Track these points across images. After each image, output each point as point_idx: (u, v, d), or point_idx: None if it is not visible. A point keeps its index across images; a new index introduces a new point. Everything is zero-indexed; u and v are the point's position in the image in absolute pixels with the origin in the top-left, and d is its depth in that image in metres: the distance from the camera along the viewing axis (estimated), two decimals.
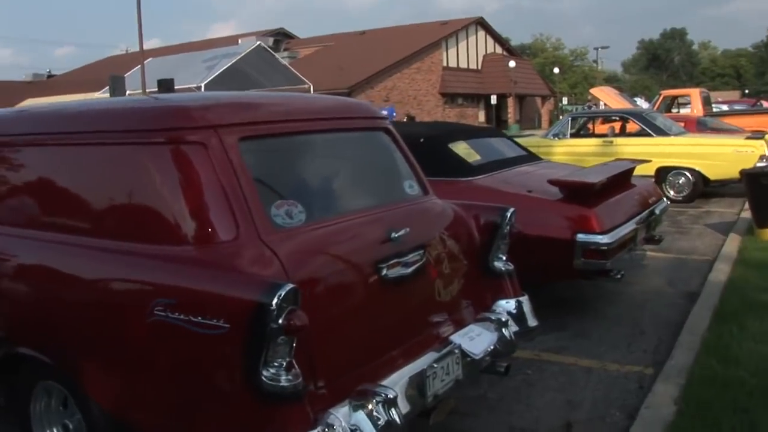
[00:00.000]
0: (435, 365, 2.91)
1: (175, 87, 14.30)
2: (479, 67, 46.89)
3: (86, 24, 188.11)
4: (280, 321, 2.18)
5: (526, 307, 3.70)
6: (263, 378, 2.21)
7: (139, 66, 24.25)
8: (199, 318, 2.25)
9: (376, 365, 2.80)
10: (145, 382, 2.47)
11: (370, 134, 3.51)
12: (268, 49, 28.08)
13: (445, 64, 43.85)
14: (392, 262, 2.93)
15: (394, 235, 2.96)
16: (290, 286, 2.22)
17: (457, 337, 3.21)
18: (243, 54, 25.95)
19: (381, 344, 2.87)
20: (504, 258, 3.70)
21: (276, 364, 2.24)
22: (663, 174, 10.89)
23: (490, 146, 6.43)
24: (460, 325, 3.36)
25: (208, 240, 2.53)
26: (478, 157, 6.02)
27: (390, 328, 2.93)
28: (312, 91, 27.82)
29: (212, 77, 23.24)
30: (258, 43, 27.68)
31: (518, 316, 3.62)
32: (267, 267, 2.46)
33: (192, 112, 2.67)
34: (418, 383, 2.81)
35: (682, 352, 4.37)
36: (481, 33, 47.42)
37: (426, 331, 3.14)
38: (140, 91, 21.75)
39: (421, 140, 5.69)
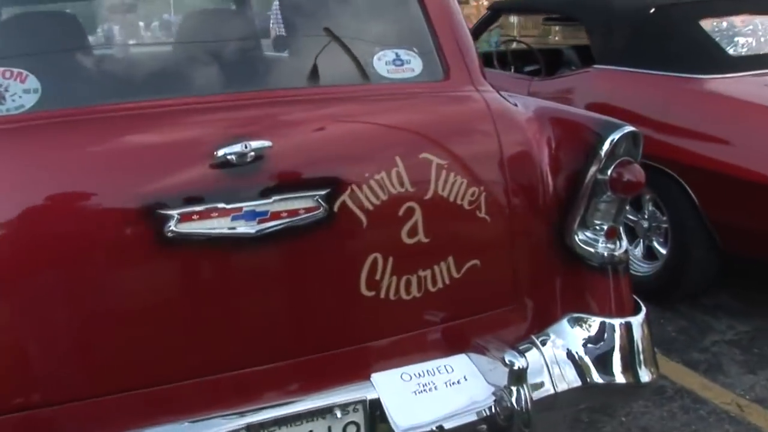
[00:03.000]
0: None
1: None
2: None
3: None
4: None
5: (636, 336, 1.77)
6: None
7: None
8: None
9: (116, 405, 1.38)
10: None
11: None
12: None
13: None
14: (201, 209, 1.38)
15: (224, 152, 1.40)
16: None
17: (386, 379, 1.54)
18: None
19: (146, 368, 1.41)
20: (604, 229, 1.78)
21: None
22: None
23: None
24: (440, 350, 1.66)
25: None
26: (753, 46, 3.58)
27: (183, 338, 1.43)
28: None
29: None
30: None
31: (603, 357, 1.74)
32: None
33: None
34: None
35: None
36: None
37: (310, 354, 1.54)
38: None
39: (652, 11, 3.53)
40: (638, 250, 3.40)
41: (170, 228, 1.37)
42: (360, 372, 1.55)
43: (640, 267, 3.36)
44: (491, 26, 5.17)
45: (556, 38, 5.02)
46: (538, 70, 4.38)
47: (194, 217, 1.39)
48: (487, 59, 4.85)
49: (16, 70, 1.42)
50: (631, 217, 3.40)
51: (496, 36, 6.73)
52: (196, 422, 1.38)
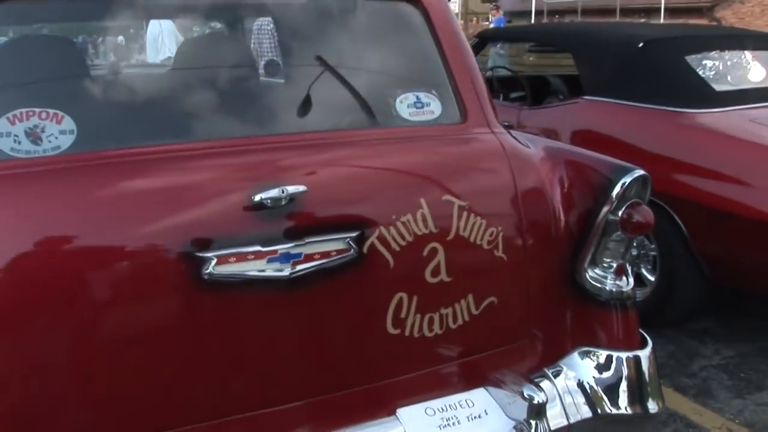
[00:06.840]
0: None
1: None
2: None
3: None
4: None
5: (644, 368, 1.86)
6: None
7: None
8: None
9: None
10: None
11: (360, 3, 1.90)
12: None
13: None
14: (242, 252, 1.43)
15: (260, 197, 1.45)
16: None
17: (411, 414, 1.60)
18: None
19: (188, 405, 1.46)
20: (613, 267, 1.87)
21: None
22: None
23: None
24: (460, 384, 1.73)
25: None
26: (739, 81, 3.73)
27: (217, 378, 1.48)
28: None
29: None
30: None
31: (613, 389, 1.82)
32: None
33: None
34: None
35: None
36: None
37: (339, 390, 1.60)
38: None
39: (640, 45, 3.65)
40: None
41: (207, 270, 1.41)
42: (386, 407, 1.61)
43: None
44: (476, 54, 5.27)
45: (542, 66, 5.13)
46: (525, 98, 4.47)
47: (231, 259, 1.43)
48: None
49: (52, 111, 1.46)
50: None
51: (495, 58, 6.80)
52: None
